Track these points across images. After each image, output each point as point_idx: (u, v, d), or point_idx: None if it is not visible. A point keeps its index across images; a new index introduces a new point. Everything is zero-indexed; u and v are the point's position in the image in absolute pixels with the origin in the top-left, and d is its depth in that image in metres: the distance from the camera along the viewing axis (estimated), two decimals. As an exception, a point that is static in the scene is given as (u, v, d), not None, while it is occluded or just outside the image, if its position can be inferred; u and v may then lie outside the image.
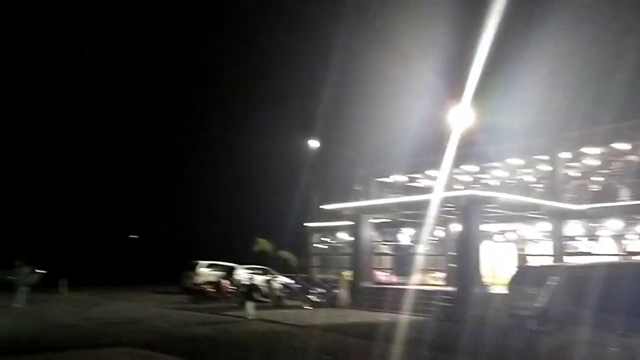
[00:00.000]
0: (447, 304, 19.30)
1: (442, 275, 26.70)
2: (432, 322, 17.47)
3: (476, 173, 29.49)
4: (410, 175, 32.34)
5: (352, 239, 25.73)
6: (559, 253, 22.63)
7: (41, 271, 30.93)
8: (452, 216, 24.10)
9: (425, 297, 20.32)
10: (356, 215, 24.51)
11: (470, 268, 19.47)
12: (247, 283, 23.69)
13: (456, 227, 25.28)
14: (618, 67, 22.64)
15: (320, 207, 26.49)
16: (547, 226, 23.86)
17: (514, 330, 16.02)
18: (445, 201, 20.54)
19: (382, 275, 28.02)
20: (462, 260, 19.94)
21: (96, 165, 48.18)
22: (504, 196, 20.21)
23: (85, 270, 40.66)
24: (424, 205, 21.12)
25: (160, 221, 48.32)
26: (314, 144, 34.01)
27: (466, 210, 19.72)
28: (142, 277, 39.76)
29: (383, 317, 18.13)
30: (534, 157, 25.29)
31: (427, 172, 30.95)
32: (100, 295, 27.31)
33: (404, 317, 18.10)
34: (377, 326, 15.78)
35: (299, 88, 40.85)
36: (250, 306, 18.12)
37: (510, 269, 23.56)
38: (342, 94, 35.45)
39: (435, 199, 20.58)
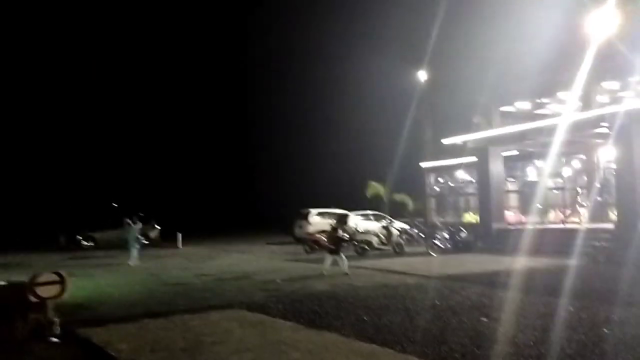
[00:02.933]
0: (604, 245, 16.09)
1: (581, 211, 23.10)
2: (590, 267, 14.51)
3: (616, 92, 24.72)
4: (538, 101, 28.19)
5: (478, 175, 22.77)
6: None
7: (157, 227, 31.51)
8: (599, 141, 20.36)
9: (570, 238, 17.22)
10: (482, 149, 21.45)
11: (634, 200, 15.98)
12: (362, 230, 21.81)
13: (605, 155, 21.49)
14: None
15: (442, 141, 23.55)
16: None
17: None
18: (594, 122, 16.95)
19: (511, 215, 24.93)
20: (622, 191, 16.45)
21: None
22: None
23: (200, 223, 41.30)
24: (565, 130, 17.66)
25: (269, 168, 47.76)
26: (423, 75, 30.79)
27: (627, 130, 16.04)
28: (254, 226, 39.53)
29: (526, 262, 15.37)
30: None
31: (559, 95, 26.75)
32: (215, 247, 26.83)
33: (553, 262, 15.27)
34: (524, 274, 13.14)
35: (404, 10, 37.14)
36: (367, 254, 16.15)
37: None
38: (453, 9, 31.44)
39: (581, 120, 17.06)
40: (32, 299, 7.82)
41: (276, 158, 48.34)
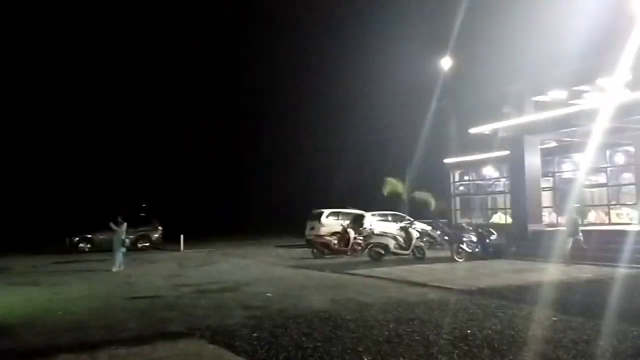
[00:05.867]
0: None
1: (629, 211, 20.19)
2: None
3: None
4: (575, 89, 25.19)
5: (512, 170, 19.99)
6: None
7: (160, 228, 29.36)
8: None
9: (620, 241, 14.45)
10: (517, 139, 18.68)
11: None
12: (379, 232, 19.24)
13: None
14: None
15: (469, 130, 20.81)
16: None
17: None
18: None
19: (548, 216, 22.05)
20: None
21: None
22: None
23: (213, 224, 39.21)
24: (613, 115, 14.83)
25: (282, 165, 45.25)
26: (447, 63, 28.00)
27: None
28: (270, 228, 37.22)
29: (573, 271, 12.65)
30: None
31: (599, 82, 23.76)
32: (218, 251, 24.53)
33: (604, 271, 12.54)
34: (575, 287, 10.45)
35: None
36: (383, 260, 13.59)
37: None
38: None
39: (634, 100, 14.23)
40: None
41: (293, 156, 45.84)
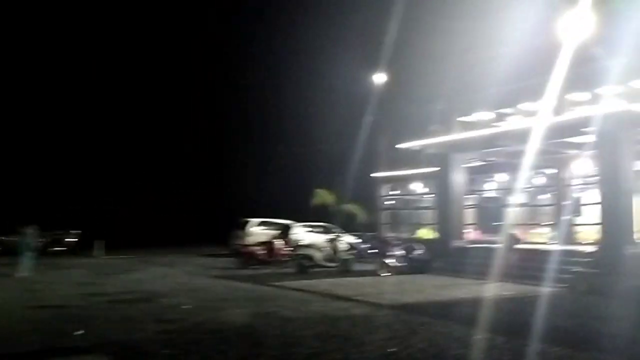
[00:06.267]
0: (583, 270, 13.72)
1: (548, 231, 20.98)
2: (570, 297, 12.07)
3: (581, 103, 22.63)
4: (499, 111, 26.12)
5: (438, 187, 20.30)
6: None
7: (75, 232, 27.76)
8: (572, 151, 18.24)
9: (541, 260, 14.83)
10: (443, 156, 18.98)
11: (620, 219, 13.72)
12: (306, 244, 18.96)
13: (579, 167, 19.43)
14: None
15: (397, 146, 20.96)
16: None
17: None
18: (574, 126, 14.69)
19: (471, 233, 22.57)
20: (607, 208, 14.18)
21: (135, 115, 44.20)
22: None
23: (132, 231, 37.47)
24: (538, 137, 15.30)
25: (209, 174, 43.96)
26: (380, 78, 28.29)
27: (612, 137, 13.79)
28: (200, 237, 36.01)
29: (495, 289, 12.81)
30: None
31: (520, 106, 24.74)
32: (139, 258, 23.39)
33: (525, 290, 12.82)
34: (498, 306, 10.52)
35: (359, 9, 34.67)
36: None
37: None
38: (413, 11, 29.24)
39: (560, 123, 14.80)
40: None
41: (222, 164, 44.71)
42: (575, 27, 17.06)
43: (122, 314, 9.43)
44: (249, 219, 25.52)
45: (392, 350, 6.85)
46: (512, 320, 8.93)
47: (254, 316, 9.26)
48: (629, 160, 13.89)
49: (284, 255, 19.23)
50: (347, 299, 11.32)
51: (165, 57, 45.76)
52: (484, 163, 22.43)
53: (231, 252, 23.29)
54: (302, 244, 19.08)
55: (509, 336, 7.65)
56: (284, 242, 20.39)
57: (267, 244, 20.00)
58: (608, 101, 21.10)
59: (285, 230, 22.89)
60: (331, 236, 20.37)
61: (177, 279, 15.41)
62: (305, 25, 41.82)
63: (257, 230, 24.77)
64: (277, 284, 13.99)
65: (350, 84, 31.02)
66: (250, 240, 23.48)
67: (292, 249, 19.00)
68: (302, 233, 23.05)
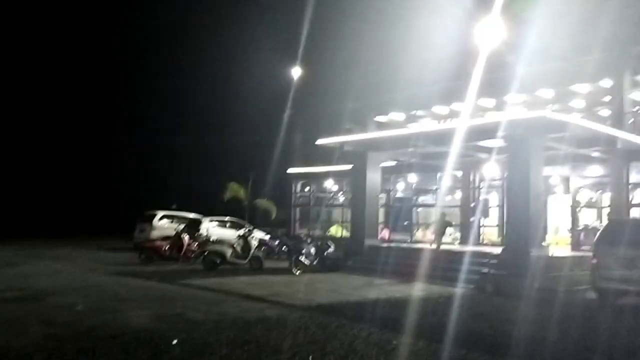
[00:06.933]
0: (491, 271, 14.03)
1: (453, 232, 21.55)
2: (479, 298, 12.23)
3: (490, 109, 23.51)
4: (412, 113, 26.62)
5: (354, 185, 20.16)
6: (619, 205, 17.55)
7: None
8: (483, 155, 18.74)
9: (454, 261, 15.10)
10: (361, 155, 18.83)
11: (526, 222, 14.14)
12: (216, 239, 18.10)
13: (488, 170, 20.03)
14: None
15: (317, 142, 20.60)
16: (599, 171, 18.75)
17: (605, 311, 10.90)
18: (489, 130, 14.98)
19: (382, 232, 22.74)
20: (513, 212, 14.57)
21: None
22: (580, 123, 14.67)
23: (38, 222, 34.66)
24: (458, 139, 15.50)
25: (113, 163, 41.45)
26: (297, 72, 27.88)
27: (524, 143, 14.18)
28: (101, 229, 33.76)
29: (407, 289, 12.76)
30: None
31: (434, 109, 25.37)
32: (30, 251, 21.40)
33: (440, 290, 12.85)
34: (411, 306, 10.40)
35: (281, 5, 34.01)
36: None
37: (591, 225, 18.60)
38: (331, 7, 29.04)
39: (476, 127, 15.05)
40: None
41: (129, 154, 42.32)
42: (488, 36, 17.60)
43: (3, 316, 8.26)
44: (154, 212, 24.19)
45: (309, 357, 6.35)
46: (429, 323, 8.75)
47: (158, 319, 8.43)
48: (537, 166, 14.32)
49: (191, 251, 18.28)
50: (260, 299, 10.72)
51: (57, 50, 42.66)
52: (397, 163, 22.66)
53: (133, 247, 21.92)
54: (211, 239, 18.17)
55: (429, 340, 7.42)
56: (191, 237, 19.41)
57: (174, 239, 18.95)
58: (515, 108, 22.11)
59: (193, 225, 21.89)
60: (242, 232, 19.62)
61: (71, 276, 14.08)
62: (223, 17, 40.66)
63: (163, 224, 23.57)
64: (183, 282, 13.11)
65: (270, 78, 30.40)
66: (155, 234, 22.28)
67: (200, 244, 18.08)
68: (211, 228, 22.16)
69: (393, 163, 22.58)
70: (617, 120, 17.62)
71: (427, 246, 17.73)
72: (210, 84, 38.60)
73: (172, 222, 23.52)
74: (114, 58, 43.18)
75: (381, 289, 12.88)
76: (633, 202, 17.82)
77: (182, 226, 20.91)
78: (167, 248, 18.35)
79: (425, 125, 22.47)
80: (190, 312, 9.07)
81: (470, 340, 7.53)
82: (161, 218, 23.87)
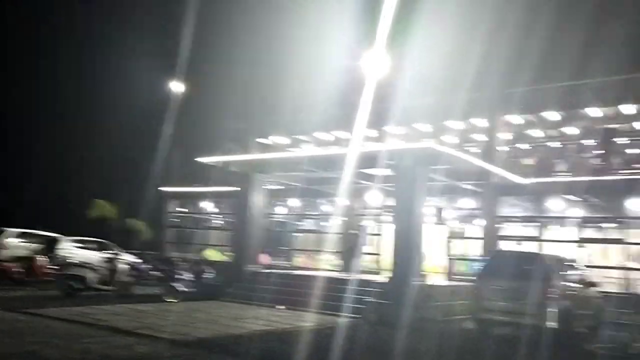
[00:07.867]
0: (376, 300, 13.86)
1: (333, 259, 21.47)
2: (365, 329, 11.93)
3: (372, 138, 24.02)
4: (295, 137, 26.49)
5: (237, 207, 19.27)
6: (491, 236, 18.52)
7: None
8: (367, 183, 18.82)
9: (338, 289, 14.73)
10: (245, 176, 18.04)
11: (411, 252, 14.21)
12: (77, 262, 16.21)
13: (371, 198, 20.21)
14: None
15: (201, 159, 19.45)
16: (471, 203, 19.70)
17: (486, 342, 11.11)
18: (377, 158, 14.96)
19: (262, 257, 21.98)
20: (400, 240, 14.59)
21: None
22: (464, 157, 15.14)
23: None
24: (343, 164, 15.33)
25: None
26: (178, 88, 26.51)
27: (410, 173, 14.33)
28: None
29: (295, 319, 12.15)
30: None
31: (316, 134, 25.46)
32: None
33: (326, 320, 12.39)
34: (304, 340, 9.76)
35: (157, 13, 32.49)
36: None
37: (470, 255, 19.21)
38: (213, 25, 28.23)
39: (366, 155, 14.98)
40: None
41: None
42: (372, 67, 17.91)
43: None
44: (3, 229, 21.34)
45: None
46: (322, 358, 8.17)
47: (3, 358, 6.95)
48: (422, 196, 14.54)
49: (47, 274, 16.22)
50: (129, 332, 9.43)
51: None
52: (278, 187, 22.16)
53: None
54: (71, 261, 16.27)
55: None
56: (48, 258, 17.29)
57: (27, 260, 16.75)
58: (395, 139, 22.75)
59: (50, 245, 19.58)
60: (108, 254, 17.83)
61: None
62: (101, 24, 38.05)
63: (15, 243, 20.82)
64: (37, 311, 11.33)
65: (148, 92, 28.58)
66: (4, 254, 19.61)
67: (58, 267, 16.09)
68: (72, 249, 19.93)
69: (275, 186, 22.05)
70: (488, 157, 18.62)
71: (312, 273, 17.35)
72: (85, 91, 35.41)
73: (25, 241, 20.86)
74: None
75: (265, 319, 12.09)
76: (500, 234, 18.83)
77: (37, 246, 18.62)
78: (19, 270, 16.13)
79: (307, 150, 22.26)
80: (44, 349, 7.65)
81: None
82: (13, 236, 21.07)
